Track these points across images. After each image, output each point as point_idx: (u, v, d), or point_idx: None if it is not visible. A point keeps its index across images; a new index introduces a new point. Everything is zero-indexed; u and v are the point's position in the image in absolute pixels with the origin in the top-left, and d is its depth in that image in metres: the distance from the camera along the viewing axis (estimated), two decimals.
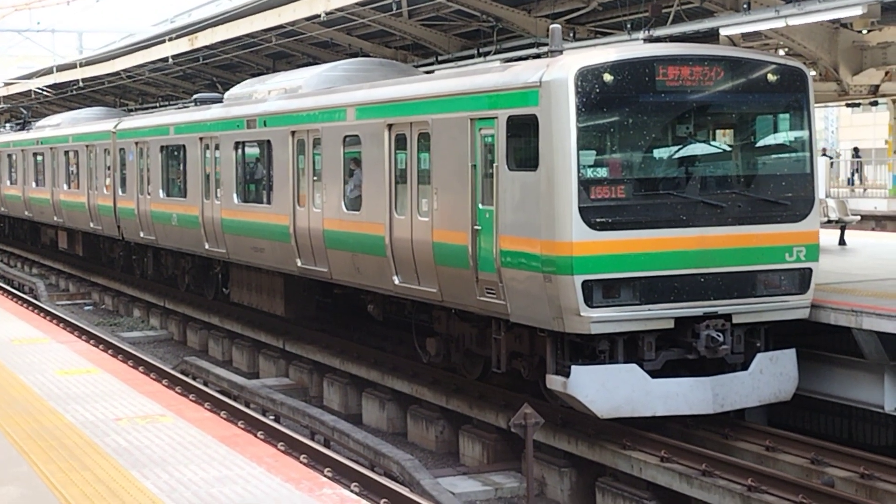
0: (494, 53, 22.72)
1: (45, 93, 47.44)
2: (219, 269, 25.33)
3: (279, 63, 32.17)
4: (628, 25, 19.53)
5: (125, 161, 29.09)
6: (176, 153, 25.88)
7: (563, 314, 13.48)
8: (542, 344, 14.31)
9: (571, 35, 21.30)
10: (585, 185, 13.45)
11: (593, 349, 13.80)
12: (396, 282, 16.75)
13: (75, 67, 41.90)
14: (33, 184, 38.86)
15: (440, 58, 24.68)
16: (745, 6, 17.56)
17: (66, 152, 34.67)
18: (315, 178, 19.32)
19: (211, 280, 26.32)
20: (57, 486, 9.51)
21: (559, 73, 13.57)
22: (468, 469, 15.78)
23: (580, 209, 13.35)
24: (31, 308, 27.18)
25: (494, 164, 14.36)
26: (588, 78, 13.48)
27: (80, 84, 42.39)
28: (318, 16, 23.80)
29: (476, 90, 14.94)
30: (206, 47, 30.71)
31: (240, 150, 22.39)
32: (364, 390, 19.50)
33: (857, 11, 16.29)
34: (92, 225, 32.33)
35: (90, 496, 9.22)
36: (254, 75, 34.40)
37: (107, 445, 10.83)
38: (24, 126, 44.86)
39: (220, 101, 25.81)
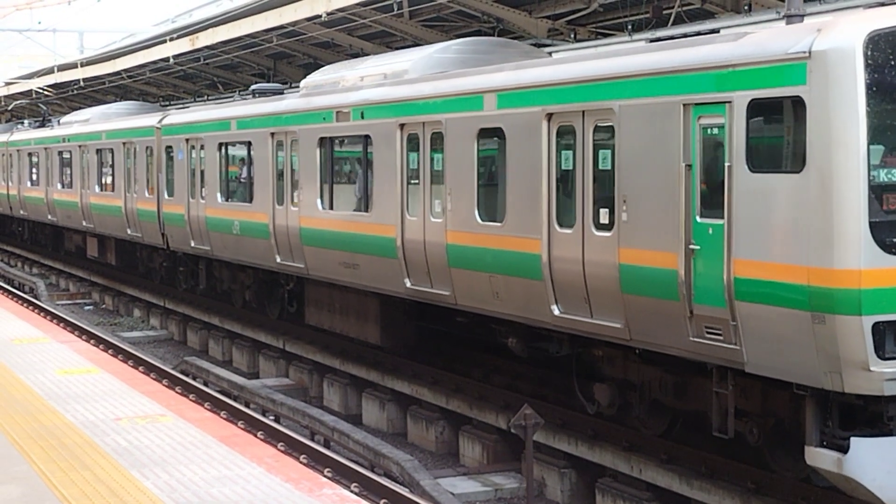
0: None
1: (45, 92, 47.45)
2: (292, 286, 21.90)
3: (280, 63, 32.18)
4: (629, 27, 19.53)
5: (172, 160, 25.78)
6: (239, 151, 22.73)
7: (843, 368, 10.19)
8: (787, 403, 11.39)
9: (573, 36, 21.31)
10: (878, 192, 10.22)
11: (877, 415, 10.51)
12: (556, 312, 13.54)
13: (76, 67, 41.93)
14: (59, 185, 35.33)
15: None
16: (745, 7, 17.57)
17: (99, 150, 31.24)
18: (434, 180, 16.01)
19: (276, 298, 23.12)
20: (57, 486, 9.52)
21: (840, 39, 10.30)
22: (468, 470, 15.78)
23: (871, 225, 10.13)
24: (31, 308, 27.20)
25: (726, 164, 11.07)
26: (881, 46, 10.24)
27: (81, 84, 42.41)
28: (320, 16, 23.81)
29: (694, 66, 11.59)
30: (206, 47, 30.72)
31: (325, 148, 19.00)
32: (364, 391, 19.50)
33: (846, 12, 16.29)
34: (129, 231, 28.96)
35: (90, 496, 9.23)
36: (255, 75, 34.53)
37: (107, 445, 10.84)
38: (43, 123, 41.66)
39: (280, 91, 23.49)
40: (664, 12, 18.96)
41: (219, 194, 23.24)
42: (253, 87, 24.58)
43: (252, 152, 21.63)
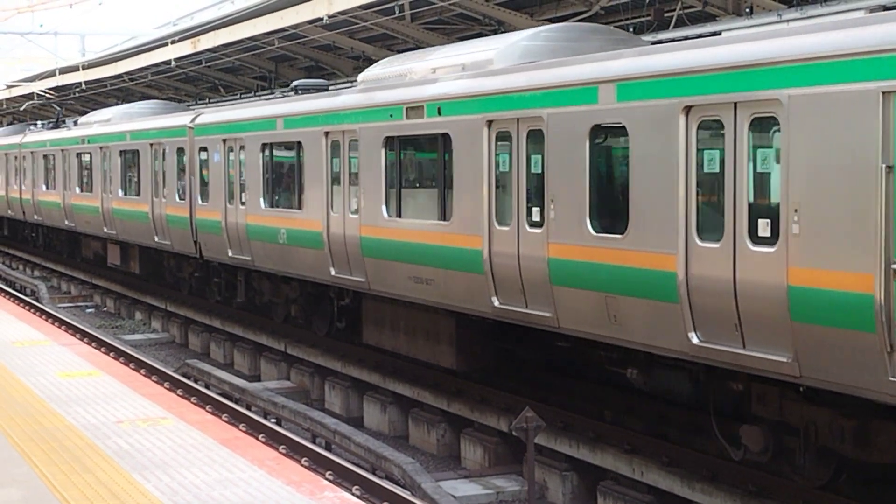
0: None
1: (47, 95, 47.50)
2: (347, 301, 19.92)
3: (281, 66, 32.20)
4: (630, 29, 19.54)
5: (207, 162, 23.94)
6: (286, 153, 20.73)
7: None
8: None
9: None
10: None
11: None
12: (695, 341, 11.47)
13: (78, 70, 41.96)
14: (77, 189, 33.48)
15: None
16: (747, 10, 17.58)
17: (123, 152, 29.32)
18: (531, 185, 14.03)
19: (325, 313, 21.06)
20: (58, 488, 9.51)
21: None
22: (469, 472, 15.77)
23: None
24: (32, 310, 27.20)
25: None
26: None
27: (83, 87, 42.43)
28: (321, 19, 23.82)
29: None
30: (208, 50, 30.76)
31: (392, 148, 16.98)
32: (365, 393, 19.50)
33: (860, 15, 16.30)
34: (156, 239, 27.09)
35: (91, 498, 9.22)
36: (256, 78, 34.56)
37: (108, 448, 10.84)
38: (57, 124, 40.23)
39: (325, 88, 21.96)
40: (665, 15, 18.98)
41: (262, 200, 21.29)
42: (295, 83, 22.74)
43: (302, 154, 19.64)
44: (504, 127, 14.45)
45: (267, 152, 21.24)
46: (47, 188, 37.13)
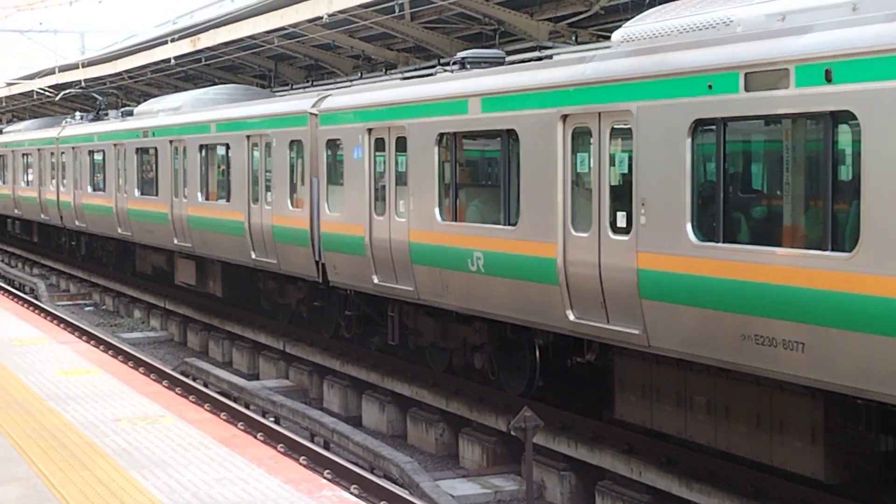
0: None
1: (46, 93, 47.47)
2: (591, 358, 14.26)
3: (281, 65, 32.19)
4: None
5: (340, 160, 18.71)
6: (485, 146, 16.04)
7: None
8: None
9: (574, 38, 21.31)
10: None
11: None
12: None
13: (77, 68, 41.94)
14: (136, 192, 28.17)
15: (442, 60, 24.70)
16: None
17: (204, 147, 24.20)
18: None
19: (522, 367, 15.76)
20: (56, 487, 9.52)
21: None
22: (468, 472, 15.78)
23: None
24: (31, 308, 27.21)
25: None
26: None
27: (83, 84, 42.42)
28: (321, 17, 23.81)
29: None
30: (208, 48, 30.74)
31: (705, 136, 11.54)
32: (364, 392, 19.50)
33: None
34: (254, 256, 21.85)
35: (90, 497, 9.23)
36: (256, 77, 34.53)
37: (106, 446, 10.85)
38: (98, 115, 35.34)
39: (501, 60, 16.59)
40: None
41: (437, 211, 15.87)
42: (461, 54, 17.06)
43: (515, 147, 14.29)
44: None
45: (446, 144, 15.87)
46: (94, 190, 31.90)
